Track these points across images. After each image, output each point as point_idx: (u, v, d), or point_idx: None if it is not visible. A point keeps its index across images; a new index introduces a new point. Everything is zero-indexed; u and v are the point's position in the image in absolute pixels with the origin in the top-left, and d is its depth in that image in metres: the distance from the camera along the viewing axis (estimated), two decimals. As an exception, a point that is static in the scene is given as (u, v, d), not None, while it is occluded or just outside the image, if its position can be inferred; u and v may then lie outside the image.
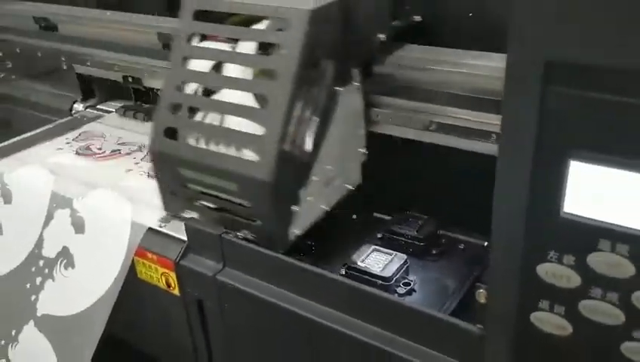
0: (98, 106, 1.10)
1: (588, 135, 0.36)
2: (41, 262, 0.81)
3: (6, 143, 0.98)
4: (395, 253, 0.63)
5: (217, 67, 0.67)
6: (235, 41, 0.66)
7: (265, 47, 0.64)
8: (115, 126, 1.03)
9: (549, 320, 0.41)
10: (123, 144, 0.97)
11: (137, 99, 1.06)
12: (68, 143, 0.99)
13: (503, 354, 0.45)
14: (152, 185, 0.83)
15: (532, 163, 0.38)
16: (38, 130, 1.03)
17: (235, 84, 0.64)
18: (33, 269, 0.81)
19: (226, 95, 0.65)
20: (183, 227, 0.68)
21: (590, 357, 0.41)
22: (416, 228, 0.68)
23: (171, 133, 0.67)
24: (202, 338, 0.71)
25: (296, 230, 0.65)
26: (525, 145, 0.37)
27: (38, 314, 0.79)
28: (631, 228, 0.36)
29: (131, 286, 0.72)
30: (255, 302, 0.62)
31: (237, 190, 0.62)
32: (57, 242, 0.80)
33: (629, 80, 0.33)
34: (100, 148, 0.96)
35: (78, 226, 0.78)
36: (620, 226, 0.36)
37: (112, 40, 1.00)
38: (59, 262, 0.79)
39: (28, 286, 0.81)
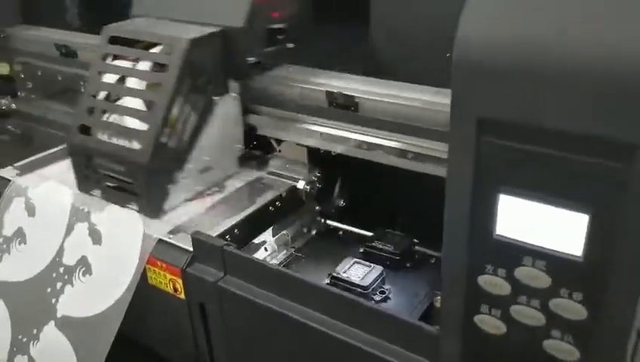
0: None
1: (513, 175, 0.45)
2: (61, 269, 0.90)
3: (28, 160, 1.08)
4: (373, 265, 0.73)
5: (123, 80, 0.88)
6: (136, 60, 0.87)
7: (157, 66, 0.85)
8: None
9: (488, 322, 0.51)
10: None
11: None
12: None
13: (455, 350, 0.55)
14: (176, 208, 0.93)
15: (471, 196, 0.47)
16: (56, 149, 1.13)
17: (130, 92, 0.86)
18: (54, 275, 0.91)
19: (127, 101, 0.86)
20: (190, 239, 0.78)
21: (520, 352, 0.50)
22: (394, 244, 0.78)
23: (86, 129, 0.88)
24: (204, 337, 0.80)
25: (173, 202, 0.86)
26: (465, 181, 0.47)
27: (58, 315, 0.89)
28: (546, 248, 0.46)
29: (142, 290, 0.81)
30: (251, 306, 0.71)
31: (125, 171, 0.83)
32: (77, 251, 0.90)
33: (542, 134, 0.43)
34: (113, 166, 1.06)
35: (96, 238, 0.88)
36: (538, 246, 0.46)
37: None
38: (78, 270, 0.89)
39: (49, 290, 0.91)
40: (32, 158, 1.08)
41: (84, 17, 1.32)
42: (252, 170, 0.98)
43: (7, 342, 0.92)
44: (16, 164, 1.05)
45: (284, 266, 0.79)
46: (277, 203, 0.88)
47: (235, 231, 0.81)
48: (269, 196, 0.89)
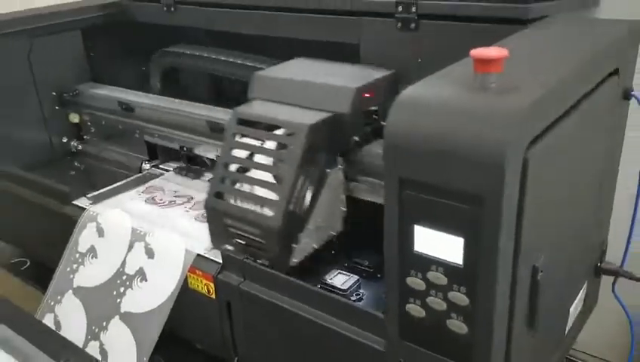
0: (160, 166, 1.51)
1: (422, 214, 0.72)
2: (124, 277, 1.19)
3: (97, 192, 1.38)
4: (352, 275, 1.00)
5: (251, 155, 1.03)
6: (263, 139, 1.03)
7: (282, 145, 1.00)
8: (172, 182, 1.44)
9: (414, 309, 0.77)
10: (178, 196, 1.37)
11: (189, 162, 1.47)
12: (138, 194, 1.39)
13: (395, 329, 0.81)
14: (199, 225, 1.22)
15: (398, 226, 0.75)
16: (118, 184, 1.43)
17: (261, 166, 1.01)
18: (118, 282, 1.20)
19: (256, 173, 1.02)
20: (220, 254, 1.06)
21: (434, 329, 0.76)
22: (369, 261, 1.05)
23: (219, 195, 1.05)
24: (229, 328, 1.08)
25: (295, 259, 1.01)
26: (395, 217, 0.74)
27: (121, 311, 1.17)
28: (442, 259, 0.72)
29: (184, 292, 1.09)
30: (263, 304, 0.99)
31: (259, 233, 0.99)
32: (135, 264, 1.18)
33: (436, 189, 0.70)
34: (161, 199, 1.36)
35: (150, 254, 1.17)
36: (438, 258, 0.73)
37: (173, 120, 1.42)
38: (136, 277, 1.18)
39: (114, 293, 1.20)
40: (100, 191, 1.39)
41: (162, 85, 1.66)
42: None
43: (84, 331, 1.21)
44: (88, 195, 1.35)
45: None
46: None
47: (254, 249, 1.09)
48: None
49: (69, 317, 1.23)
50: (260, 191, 0.99)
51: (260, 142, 1.03)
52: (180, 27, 1.55)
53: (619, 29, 0.96)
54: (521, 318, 0.78)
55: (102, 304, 1.20)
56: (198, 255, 1.09)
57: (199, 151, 1.40)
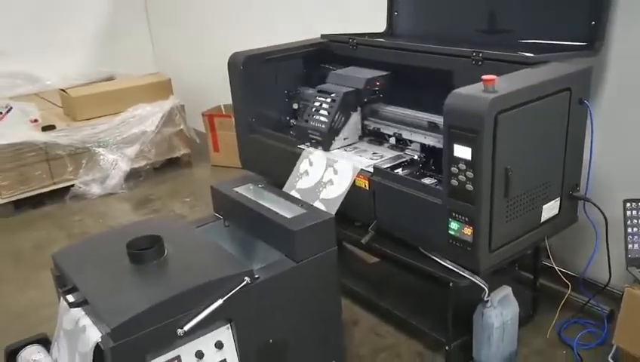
0: (339, 134, 2.71)
1: (457, 138, 1.81)
2: (322, 183, 2.38)
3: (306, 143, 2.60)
4: (434, 179, 2.10)
5: (320, 104, 2.40)
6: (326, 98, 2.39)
7: (333, 100, 2.34)
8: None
9: (453, 181, 1.85)
10: (355, 148, 2.54)
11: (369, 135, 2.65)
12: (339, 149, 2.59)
13: (446, 193, 1.89)
14: (361, 159, 2.39)
15: (448, 144, 1.84)
16: (317, 141, 2.66)
17: (323, 109, 2.41)
18: (319, 185, 2.38)
19: (321, 112, 2.40)
20: (372, 167, 2.21)
21: (460, 189, 1.83)
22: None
23: (306, 120, 2.40)
24: (373, 204, 2.20)
25: (332, 148, 2.41)
26: (447, 141, 1.84)
27: (320, 197, 2.35)
28: (464, 158, 1.80)
29: (353, 187, 2.25)
30: (391, 190, 2.11)
31: (318, 134, 2.40)
32: (328, 177, 2.35)
33: (462, 128, 1.78)
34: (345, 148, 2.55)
35: (336, 172, 2.34)
36: (463, 157, 1.81)
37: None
38: (328, 183, 2.36)
39: (317, 190, 2.38)
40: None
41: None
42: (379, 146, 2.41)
43: (301, 206, 2.43)
44: (305, 144, 2.58)
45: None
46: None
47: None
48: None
49: (293, 201, 2.46)
50: (322, 118, 2.37)
51: (324, 99, 2.38)
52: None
53: (574, 68, 1.97)
54: (501, 191, 1.83)
55: (311, 195, 2.41)
56: (361, 169, 2.26)
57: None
